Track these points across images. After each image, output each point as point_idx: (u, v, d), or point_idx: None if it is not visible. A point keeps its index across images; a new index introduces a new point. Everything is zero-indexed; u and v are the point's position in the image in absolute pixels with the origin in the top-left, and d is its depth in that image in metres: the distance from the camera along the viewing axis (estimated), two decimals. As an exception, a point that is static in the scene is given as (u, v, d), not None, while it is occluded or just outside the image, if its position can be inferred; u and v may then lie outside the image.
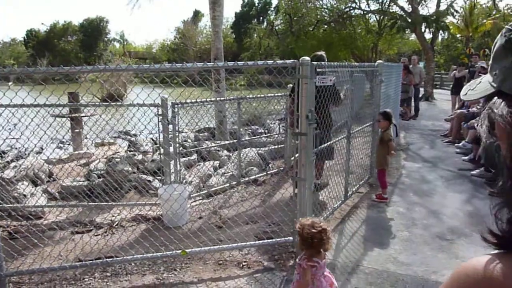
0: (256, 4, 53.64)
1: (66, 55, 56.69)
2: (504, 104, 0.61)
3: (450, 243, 4.12)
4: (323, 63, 3.78)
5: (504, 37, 0.64)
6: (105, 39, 62.04)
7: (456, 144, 8.40)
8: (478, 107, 8.44)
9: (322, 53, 5.44)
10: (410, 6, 19.14)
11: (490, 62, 0.68)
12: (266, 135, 8.85)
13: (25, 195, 5.15)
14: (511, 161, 0.63)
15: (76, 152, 8.25)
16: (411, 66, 12.44)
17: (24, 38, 61.19)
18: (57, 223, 4.54)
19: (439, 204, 5.24)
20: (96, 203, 4.97)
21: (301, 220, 2.47)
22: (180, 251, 3.62)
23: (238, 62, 3.41)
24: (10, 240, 3.94)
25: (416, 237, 4.27)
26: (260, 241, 4.00)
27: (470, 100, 0.72)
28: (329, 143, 4.79)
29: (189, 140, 8.76)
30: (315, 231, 2.32)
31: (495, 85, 0.64)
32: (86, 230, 4.52)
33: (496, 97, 0.64)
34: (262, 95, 5.85)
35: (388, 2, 23.56)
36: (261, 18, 49.93)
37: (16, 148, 8.64)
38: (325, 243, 2.35)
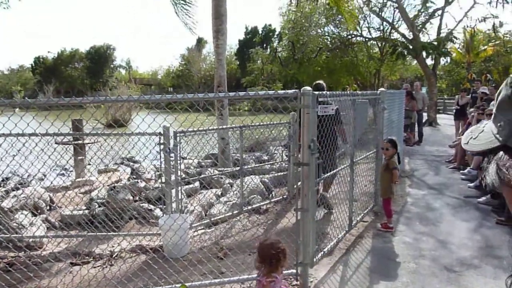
0: (260, 32, 54.70)
1: (72, 81, 57.67)
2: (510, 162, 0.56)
3: (458, 275, 3.98)
4: (325, 92, 3.76)
5: (510, 88, 0.60)
6: (111, 65, 63.16)
7: (461, 171, 8.30)
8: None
9: (321, 82, 5.93)
10: (411, 33, 19.39)
11: (494, 111, 0.64)
12: (269, 162, 8.80)
13: (23, 226, 5.08)
14: None
15: (78, 180, 8.22)
16: (413, 92, 12.47)
17: (32, 65, 62.41)
18: (55, 254, 4.46)
19: (446, 233, 5.12)
20: (95, 233, 4.88)
21: (261, 241, 2.66)
22: (179, 285, 3.51)
23: (240, 93, 3.39)
24: (4, 274, 3.84)
25: (424, 268, 4.14)
26: (262, 274, 3.89)
27: (473, 151, 0.67)
28: (335, 171, 5.01)
29: (191, 167, 8.72)
30: (274, 252, 2.49)
31: (500, 138, 0.60)
32: (85, 262, 4.42)
33: (502, 152, 0.60)
34: (264, 123, 5.84)
35: (389, 30, 23.93)
36: (265, 45, 50.78)
37: (18, 175, 8.64)
38: (283, 262, 2.55)
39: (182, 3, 10.24)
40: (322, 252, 4.22)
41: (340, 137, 5.54)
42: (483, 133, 0.66)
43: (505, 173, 0.57)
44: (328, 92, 3.95)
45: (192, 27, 10.74)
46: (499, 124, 0.61)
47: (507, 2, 17.48)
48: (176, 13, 10.40)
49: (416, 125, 12.51)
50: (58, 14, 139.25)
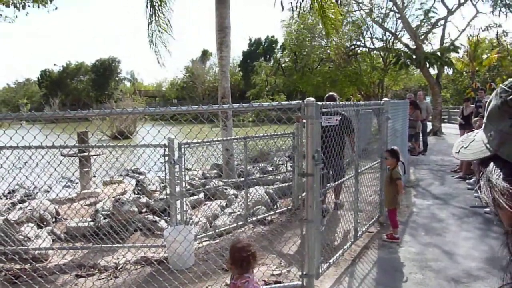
0: (263, 43, 55.11)
1: (78, 94, 58.22)
2: (500, 176, 0.57)
3: (465, 287, 3.94)
4: (328, 103, 3.78)
5: (500, 98, 0.61)
6: (116, 78, 63.73)
7: (467, 180, 8.25)
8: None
9: (333, 93, 6.42)
10: (414, 43, 19.47)
11: (485, 120, 0.65)
12: (274, 173, 8.80)
13: (29, 238, 5.10)
14: None
15: (84, 191, 8.25)
16: (417, 101, 12.47)
17: (38, 78, 63.13)
18: (60, 266, 4.47)
19: (452, 244, 5.08)
20: (100, 245, 4.89)
21: (232, 243, 2.71)
22: (184, 297, 3.50)
23: (244, 104, 3.43)
24: (10, 286, 3.85)
25: (430, 280, 4.11)
26: (267, 286, 3.87)
27: (464, 160, 0.67)
28: (343, 179, 5.29)
29: (196, 178, 8.73)
30: (245, 255, 2.56)
31: (491, 148, 0.61)
32: (90, 274, 4.42)
33: (492, 163, 0.60)
34: (268, 134, 5.86)
35: (392, 40, 24.02)
36: (268, 56, 51.11)
37: (24, 187, 8.70)
38: (253, 264, 2.63)
39: (158, 32, 10.08)
40: (327, 263, 4.20)
41: (350, 145, 5.78)
42: (474, 142, 0.66)
43: (499, 197, 0.57)
44: (331, 103, 3.98)
45: (161, 60, 10.41)
46: (489, 133, 0.62)
47: (510, 11, 17.55)
48: (151, 42, 10.15)
49: (421, 135, 12.49)
50: (64, 27, 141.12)
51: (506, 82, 0.63)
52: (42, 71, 62.18)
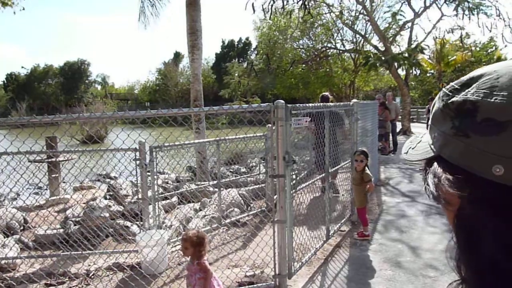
0: (236, 45, 55.14)
1: (46, 98, 56.54)
2: (445, 173, 0.61)
3: (433, 281, 4.08)
4: (297, 105, 3.85)
5: (442, 101, 0.64)
6: (86, 81, 62.23)
7: (434, 178, 8.51)
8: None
9: (326, 93, 7.91)
10: (383, 45, 19.96)
11: (429, 122, 0.68)
12: (247, 175, 8.83)
13: (-5, 247, 4.94)
14: (456, 236, 0.63)
15: (53, 198, 8.03)
16: (386, 102, 12.80)
17: (3, 81, 60.91)
18: (29, 275, 4.34)
19: (420, 240, 5.24)
20: (70, 253, 4.78)
21: (185, 233, 3.13)
22: (157, 301, 3.48)
23: (214, 107, 3.44)
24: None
25: (400, 275, 4.23)
26: (241, 287, 3.90)
27: (411, 161, 0.71)
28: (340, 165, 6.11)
29: (169, 182, 8.65)
30: (201, 239, 2.99)
31: (434, 149, 0.64)
32: (60, 282, 4.32)
33: (435, 162, 0.64)
34: (240, 136, 5.89)
35: (362, 42, 24.55)
36: (242, 58, 51.15)
37: (-11, 196, 8.38)
38: (206, 248, 3.06)
39: None
40: (300, 263, 4.26)
41: (342, 136, 6.57)
42: (421, 144, 0.69)
43: (441, 183, 0.61)
44: (301, 105, 4.05)
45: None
46: (433, 135, 0.65)
47: (473, 14, 18.25)
48: None
49: (391, 135, 12.82)
50: (30, 30, 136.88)
51: (448, 86, 0.65)
52: (8, 74, 60.08)
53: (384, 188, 8.12)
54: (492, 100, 0.55)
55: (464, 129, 0.58)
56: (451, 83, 0.65)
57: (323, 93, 7.69)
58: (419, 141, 0.70)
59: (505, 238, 0.53)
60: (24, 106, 41.53)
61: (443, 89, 0.66)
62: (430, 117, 0.68)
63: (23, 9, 13.48)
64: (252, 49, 48.75)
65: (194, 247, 2.96)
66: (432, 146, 0.65)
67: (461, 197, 0.59)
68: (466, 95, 0.59)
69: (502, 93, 0.55)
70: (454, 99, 0.61)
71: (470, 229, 0.59)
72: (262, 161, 8.63)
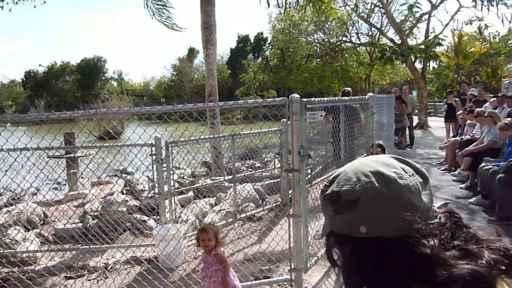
0: (251, 40, 54.98)
1: (63, 95, 57.47)
2: (336, 244, 0.88)
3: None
4: (312, 99, 3.83)
5: (322, 194, 0.90)
6: (103, 78, 62.98)
7: (452, 172, 8.39)
8: (472, 134, 8.51)
9: (348, 88, 8.06)
10: (399, 38, 19.66)
11: (322, 208, 0.91)
12: (262, 169, 8.83)
13: (17, 241, 5.06)
14: (343, 272, 0.88)
15: (71, 193, 8.19)
16: (403, 96, 12.63)
17: (22, 79, 62.12)
18: (49, 268, 4.44)
19: (438, 235, 5.17)
20: (89, 246, 4.88)
21: (202, 226, 3.34)
22: (174, 294, 3.52)
23: (229, 102, 3.45)
24: (-1, 289, 3.83)
25: (416, 270, 4.18)
26: (257, 281, 3.91)
27: (319, 238, 0.96)
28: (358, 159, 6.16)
29: (185, 177, 8.72)
30: (217, 228, 3.18)
31: (328, 227, 0.89)
32: (79, 275, 4.41)
33: (331, 236, 0.88)
34: (255, 131, 5.88)
35: (377, 35, 24.22)
36: (256, 53, 50.98)
37: (11, 190, 8.59)
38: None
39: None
40: (315, 257, 4.25)
41: (358, 132, 6.52)
42: (323, 225, 0.92)
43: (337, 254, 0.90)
44: (316, 99, 4.02)
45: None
46: (326, 217, 0.90)
47: (492, 5, 17.83)
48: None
49: (407, 129, 12.65)
50: (49, 28, 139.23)
51: (329, 178, 0.90)
52: (26, 72, 61.25)
53: (401, 183, 8.01)
54: (344, 188, 0.83)
55: (338, 209, 0.84)
56: (324, 182, 0.91)
57: (345, 88, 7.97)
58: (322, 224, 0.93)
59: (369, 269, 0.79)
60: (43, 103, 42.32)
61: (325, 182, 0.92)
62: (322, 207, 0.91)
63: (44, 2, 13.69)
64: (267, 44, 48.49)
65: (216, 238, 3.02)
66: (326, 226, 0.90)
67: (343, 250, 0.86)
68: (333, 188, 0.87)
69: (349, 183, 0.83)
70: (327, 192, 0.88)
71: (350, 267, 0.86)
72: (277, 156, 8.63)
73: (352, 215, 0.82)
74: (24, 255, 4.79)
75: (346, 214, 0.83)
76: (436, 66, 28.00)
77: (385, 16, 21.98)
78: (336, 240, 0.87)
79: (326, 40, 26.04)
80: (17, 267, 4.46)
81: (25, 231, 5.63)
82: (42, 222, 6.36)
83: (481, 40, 26.90)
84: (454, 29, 22.97)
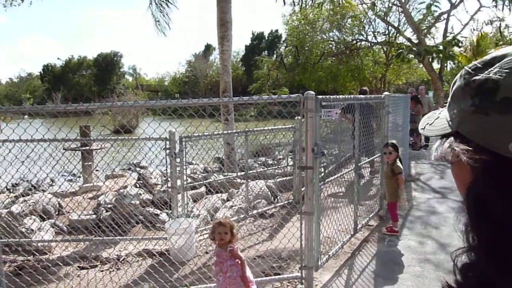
0: (266, 37, 54.90)
1: (80, 88, 58.20)
2: (462, 145, 0.62)
3: (464, 279, 3.97)
4: (328, 96, 3.81)
5: (463, 79, 0.65)
6: (119, 72, 63.57)
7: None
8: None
9: (366, 88, 8.11)
10: (416, 37, 19.37)
11: (449, 99, 0.68)
12: (275, 167, 8.83)
13: (32, 230, 5.16)
14: (467, 205, 0.65)
15: (86, 185, 8.31)
16: (419, 96, 12.46)
17: (40, 72, 63.10)
18: (63, 258, 4.52)
19: (451, 237, 5.10)
20: (102, 238, 4.95)
21: (216, 222, 3.17)
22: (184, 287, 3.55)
23: (244, 97, 3.45)
24: (14, 277, 3.91)
25: (429, 272, 4.14)
26: (267, 278, 3.92)
27: (428, 136, 0.73)
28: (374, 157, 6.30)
29: (198, 172, 8.77)
30: (232, 223, 3.12)
31: (453, 125, 0.65)
32: (92, 265, 4.48)
33: (452, 137, 0.65)
34: (269, 128, 5.88)
35: (395, 34, 23.92)
36: (271, 50, 50.88)
37: (27, 181, 8.76)
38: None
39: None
40: (327, 256, 4.24)
41: (376, 130, 6.53)
42: (439, 120, 0.70)
43: (459, 152, 0.62)
44: (331, 96, 4.00)
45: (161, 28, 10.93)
46: (452, 112, 0.66)
47: (514, 5, 17.43)
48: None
49: (422, 129, 12.46)
50: (66, 22, 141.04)
51: (470, 65, 0.66)
52: (44, 65, 62.18)
53: (415, 184, 7.93)
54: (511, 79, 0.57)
55: (484, 107, 0.59)
56: (474, 62, 0.65)
57: (362, 87, 8.27)
58: (436, 117, 0.71)
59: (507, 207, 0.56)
60: (60, 96, 43.03)
61: (465, 67, 0.66)
62: (450, 94, 0.68)
63: None
64: (281, 42, 48.33)
65: (231, 232, 3.02)
66: (450, 122, 0.66)
67: (475, 168, 0.60)
68: (488, 74, 0.60)
69: None
70: (476, 77, 0.62)
71: (482, 199, 0.60)
72: (290, 154, 8.61)
73: (505, 122, 0.56)
74: (39, 244, 4.89)
75: (494, 117, 0.57)
76: (454, 67, 27.49)
77: (402, 15, 21.67)
78: (456, 146, 0.63)
79: (342, 38, 25.80)
80: (32, 256, 4.55)
81: (41, 221, 5.73)
82: (57, 213, 6.47)
83: (501, 41, 26.32)
84: (474, 29, 22.50)
